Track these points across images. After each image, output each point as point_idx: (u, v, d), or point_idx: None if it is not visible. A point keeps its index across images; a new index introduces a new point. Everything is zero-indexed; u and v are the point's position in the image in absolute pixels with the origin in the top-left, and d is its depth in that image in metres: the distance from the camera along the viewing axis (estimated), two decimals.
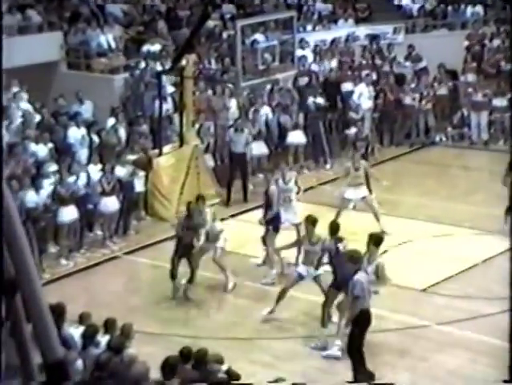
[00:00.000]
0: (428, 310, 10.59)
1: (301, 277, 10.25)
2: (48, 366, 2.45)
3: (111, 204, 13.12)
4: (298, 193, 12.44)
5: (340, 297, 9.75)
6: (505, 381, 7.55)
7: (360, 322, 8.93)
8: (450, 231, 12.89)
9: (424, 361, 9.50)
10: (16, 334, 2.76)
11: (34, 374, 2.71)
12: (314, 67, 18.18)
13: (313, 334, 10.09)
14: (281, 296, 10.37)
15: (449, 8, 20.51)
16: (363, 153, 14.56)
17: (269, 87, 17.08)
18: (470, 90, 17.69)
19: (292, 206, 12.11)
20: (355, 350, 8.91)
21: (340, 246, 9.86)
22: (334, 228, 10.12)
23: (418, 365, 9.45)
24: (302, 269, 10.27)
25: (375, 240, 9.70)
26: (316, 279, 10.17)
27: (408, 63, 18.80)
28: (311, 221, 10.29)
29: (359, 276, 8.90)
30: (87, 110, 15.67)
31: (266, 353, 9.82)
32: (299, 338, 10.12)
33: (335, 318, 9.95)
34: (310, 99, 16.87)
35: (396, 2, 20.88)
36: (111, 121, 15.19)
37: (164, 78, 15.66)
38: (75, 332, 8.11)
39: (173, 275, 11.18)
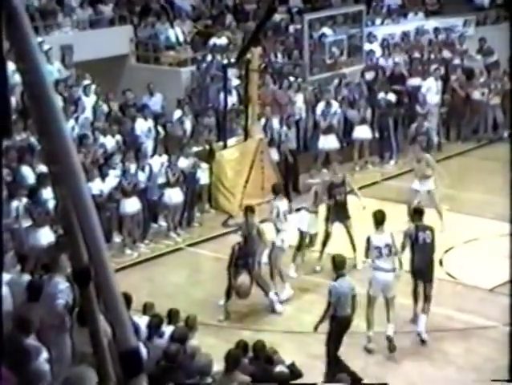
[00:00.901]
0: (494, 310, 10.38)
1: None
2: (123, 355, 2.47)
3: (175, 195, 13.24)
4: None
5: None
6: (508, 381, 7.39)
7: (336, 328, 8.94)
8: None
9: (491, 362, 9.31)
10: (89, 322, 2.80)
11: (107, 363, 2.74)
12: (382, 62, 17.97)
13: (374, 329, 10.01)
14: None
15: None
16: (424, 147, 14.34)
17: (336, 81, 16.97)
18: None
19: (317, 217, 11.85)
20: (332, 354, 8.87)
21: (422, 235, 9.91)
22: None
23: (484, 365, 9.29)
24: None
25: (376, 218, 10.02)
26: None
27: (479, 57, 18.42)
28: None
29: (337, 282, 8.98)
30: (156, 102, 15.86)
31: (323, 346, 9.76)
32: (357, 333, 10.04)
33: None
34: (381, 95, 16.69)
35: None
36: (177, 113, 15.33)
37: (230, 71, 15.71)
38: (140, 321, 8.22)
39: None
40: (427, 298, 9.86)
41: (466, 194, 13.98)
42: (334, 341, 8.97)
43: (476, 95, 17.46)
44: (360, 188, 14.98)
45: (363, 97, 16.62)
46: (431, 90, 17.05)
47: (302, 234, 11.84)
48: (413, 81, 17.58)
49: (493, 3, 20.09)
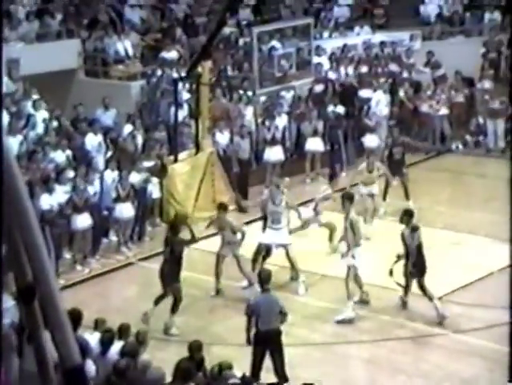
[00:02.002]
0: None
1: (225, 255, 11.38)
2: (67, 372, 2.47)
3: (126, 210, 13.19)
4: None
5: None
6: (509, 381, 7.54)
7: (256, 341, 8.98)
8: (466, 239, 12.84)
9: (440, 369, 9.46)
10: (34, 339, 2.78)
11: (52, 381, 2.72)
12: (331, 75, 18.18)
13: (326, 340, 10.10)
14: (217, 275, 11.41)
15: (467, 14, 20.46)
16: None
17: (288, 94, 17.11)
18: (487, 97, 17.63)
19: (281, 228, 11.72)
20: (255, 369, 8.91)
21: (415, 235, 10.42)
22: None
23: (434, 373, 9.42)
24: (223, 248, 11.40)
25: (347, 196, 10.89)
26: (236, 256, 11.29)
27: (427, 70, 18.74)
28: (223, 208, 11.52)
29: (258, 298, 9.07)
30: (109, 117, 15.79)
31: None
32: (312, 344, 10.11)
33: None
34: (330, 108, 16.89)
35: (413, 9, 20.85)
36: (128, 128, 15.27)
37: (181, 85, 15.72)
38: (90, 338, 8.15)
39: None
40: (425, 291, 10.35)
41: (416, 205, 14.17)
42: (255, 355, 8.94)
43: (424, 107, 17.77)
44: (311, 201, 15.18)
45: (313, 110, 16.79)
46: (380, 102, 17.31)
47: (260, 246, 11.85)
48: (363, 93, 17.83)
49: (438, 18, 20.50)
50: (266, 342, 8.96)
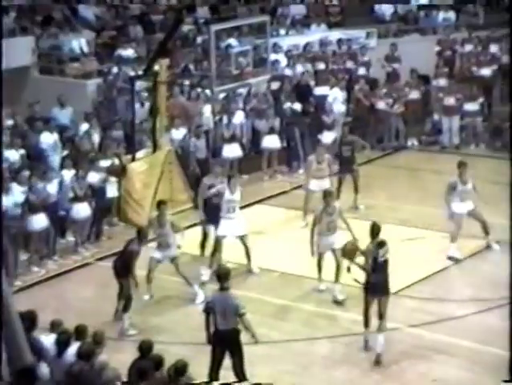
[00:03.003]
0: (399, 313, 10.66)
1: (158, 261, 11.33)
2: (16, 373, 2.47)
3: (83, 210, 13.11)
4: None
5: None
6: (505, 381, 7.68)
7: (215, 340, 8.96)
8: (421, 234, 13.02)
9: (395, 364, 9.60)
10: None
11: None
12: (287, 72, 18.26)
13: (285, 338, 10.18)
14: (148, 280, 11.33)
15: (421, 13, 20.72)
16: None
17: (245, 91, 17.15)
18: (442, 95, 17.86)
19: (236, 218, 11.95)
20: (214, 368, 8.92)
21: (380, 252, 9.83)
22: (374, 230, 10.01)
23: (389, 368, 9.55)
24: (157, 253, 11.32)
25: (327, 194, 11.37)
26: (173, 261, 11.30)
27: (396, 64, 18.82)
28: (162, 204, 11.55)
29: (215, 296, 9.00)
30: (65, 115, 15.63)
31: None
32: (271, 342, 10.17)
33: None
34: (287, 105, 16.96)
35: (368, 7, 21.04)
36: (84, 126, 15.15)
37: (138, 83, 15.63)
38: (46, 339, 8.09)
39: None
40: (382, 316, 9.74)
41: (371, 201, 14.35)
42: (212, 354, 8.94)
43: (380, 104, 17.95)
44: (270, 198, 15.29)
45: (270, 107, 16.86)
46: (337, 99, 17.44)
47: (217, 239, 11.97)
48: (319, 90, 17.95)
49: (394, 16, 20.73)
50: (225, 341, 8.95)
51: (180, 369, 7.69)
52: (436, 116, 18.02)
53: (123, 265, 10.81)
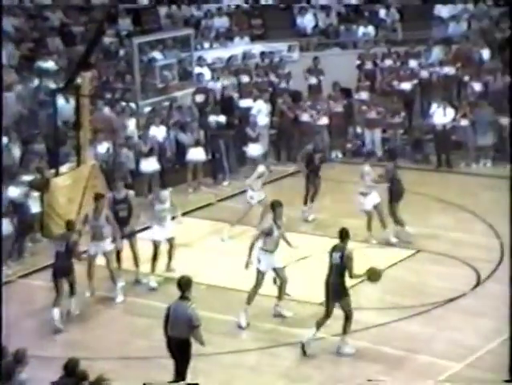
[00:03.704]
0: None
1: (94, 255, 11.68)
2: None
3: (4, 226, 12.79)
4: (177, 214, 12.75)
5: None
6: (505, 381, 7.83)
7: (168, 346, 8.98)
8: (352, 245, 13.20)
9: (321, 370, 9.73)
10: None
11: None
12: (212, 85, 18.33)
13: (213, 351, 10.17)
14: (90, 276, 11.69)
15: (341, 27, 21.13)
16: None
17: (169, 105, 17.14)
18: (364, 108, 18.24)
19: (167, 224, 12.38)
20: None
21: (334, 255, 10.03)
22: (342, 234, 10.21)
23: (313, 375, 9.68)
24: (92, 247, 11.65)
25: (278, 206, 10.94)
26: (106, 254, 11.62)
27: (321, 77, 19.09)
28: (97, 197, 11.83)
29: (173, 303, 8.95)
30: None
31: (165, 371, 9.80)
32: (200, 355, 10.14)
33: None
34: (212, 118, 17.01)
35: (290, 20, 21.34)
36: (3, 140, 14.81)
37: (60, 96, 15.42)
38: None
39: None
40: (347, 318, 9.99)
41: (297, 213, 14.49)
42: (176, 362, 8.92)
43: (304, 117, 18.18)
44: (195, 210, 15.27)
45: (194, 120, 16.89)
46: (261, 112, 17.60)
47: (155, 243, 12.26)
48: (244, 103, 18.07)
49: (315, 30, 21.07)
50: (171, 347, 8.92)
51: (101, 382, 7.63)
52: (358, 129, 18.37)
53: (65, 265, 11.03)
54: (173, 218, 12.66)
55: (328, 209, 14.94)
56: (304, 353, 9.96)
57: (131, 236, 12.31)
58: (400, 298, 10.85)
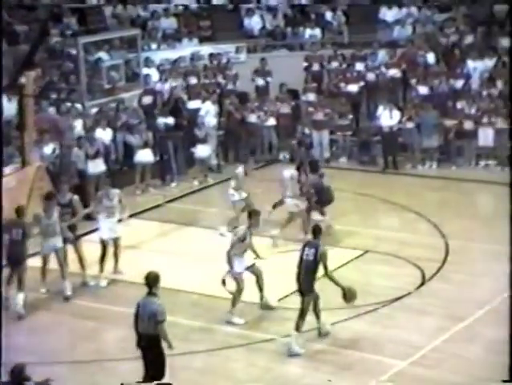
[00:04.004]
0: (274, 324, 10.87)
1: (46, 253, 11.82)
2: None
3: None
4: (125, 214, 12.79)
5: None
6: (505, 381, 7.89)
7: (138, 343, 8.99)
8: (295, 247, 13.25)
9: (269, 372, 9.75)
10: None
11: None
12: (160, 86, 18.23)
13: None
14: (44, 274, 11.88)
15: (288, 29, 21.25)
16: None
17: (114, 106, 16.98)
18: (311, 109, 18.36)
19: (114, 221, 12.44)
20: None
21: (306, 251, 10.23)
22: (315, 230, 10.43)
23: (264, 376, 9.69)
24: (45, 246, 11.79)
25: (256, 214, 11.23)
26: (57, 251, 11.74)
27: (268, 78, 19.11)
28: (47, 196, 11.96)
29: (141, 299, 8.94)
30: None
31: (111, 375, 9.71)
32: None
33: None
34: (161, 120, 16.90)
35: (238, 22, 21.36)
36: None
37: (3, 96, 15.12)
38: None
39: None
40: (317, 315, 10.31)
41: (245, 214, 14.48)
42: (142, 357, 8.90)
43: (251, 117, 18.22)
44: (143, 212, 15.18)
45: (142, 122, 16.77)
46: (209, 113, 17.57)
47: (103, 242, 12.28)
48: (192, 104, 18.02)
49: (262, 32, 21.14)
50: (142, 345, 8.88)
51: None
52: (306, 130, 18.49)
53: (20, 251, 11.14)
54: (120, 221, 12.57)
55: (275, 210, 14.97)
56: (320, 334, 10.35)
57: (75, 239, 12.24)
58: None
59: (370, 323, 10.79)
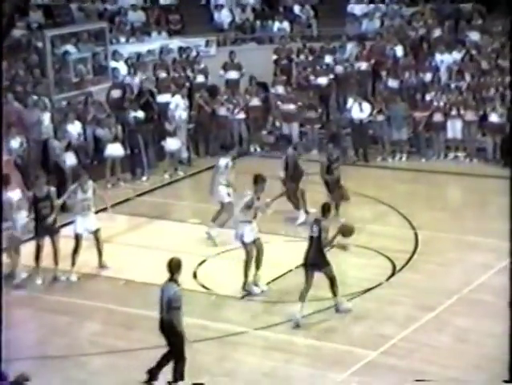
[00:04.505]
0: (246, 317, 10.88)
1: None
2: None
3: None
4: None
5: None
6: (505, 381, 7.89)
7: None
8: (267, 239, 13.27)
9: (242, 366, 9.74)
10: None
11: None
12: (128, 80, 18.11)
13: (131, 346, 10.07)
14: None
15: (257, 23, 21.24)
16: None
17: (82, 99, 16.84)
18: (281, 102, 18.37)
19: (90, 214, 12.33)
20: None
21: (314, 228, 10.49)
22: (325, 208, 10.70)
23: (236, 370, 9.68)
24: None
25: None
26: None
27: (235, 72, 19.05)
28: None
29: (166, 284, 8.98)
30: None
31: (84, 369, 9.65)
32: (117, 352, 10.02)
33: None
34: (131, 114, 16.79)
35: (207, 15, 21.31)
36: None
37: None
38: None
39: None
40: (332, 286, 10.56)
41: (214, 208, 14.46)
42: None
43: (221, 110, 18.19)
44: (114, 206, 15.04)
45: (111, 115, 16.65)
46: (179, 107, 17.50)
47: (77, 236, 12.18)
48: (162, 98, 17.93)
49: (232, 25, 21.10)
50: (161, 328, 8.97)
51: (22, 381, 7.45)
52: (277, 123, 18.50)
53: None
54: (97, 212, 12.48)
55: None
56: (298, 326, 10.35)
57: (53, 232, 12.08)
58: (319, 290, 10.97)
59: (341, 314, 10.84)
